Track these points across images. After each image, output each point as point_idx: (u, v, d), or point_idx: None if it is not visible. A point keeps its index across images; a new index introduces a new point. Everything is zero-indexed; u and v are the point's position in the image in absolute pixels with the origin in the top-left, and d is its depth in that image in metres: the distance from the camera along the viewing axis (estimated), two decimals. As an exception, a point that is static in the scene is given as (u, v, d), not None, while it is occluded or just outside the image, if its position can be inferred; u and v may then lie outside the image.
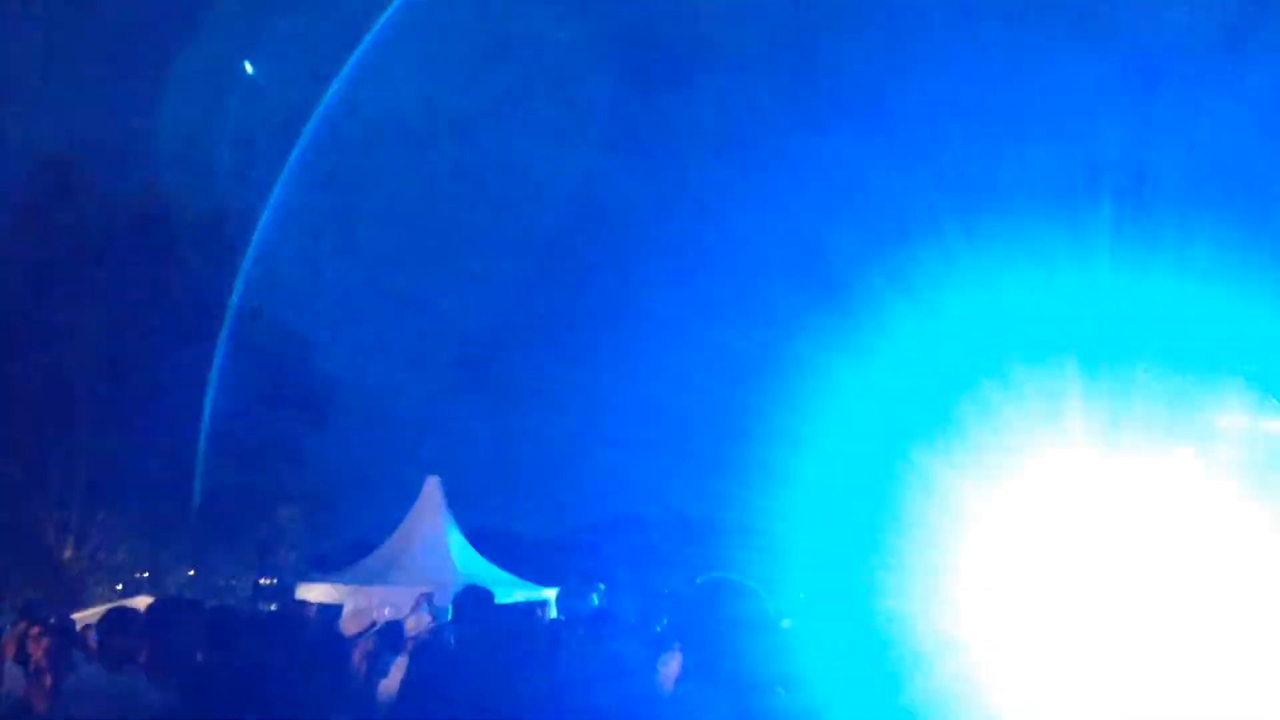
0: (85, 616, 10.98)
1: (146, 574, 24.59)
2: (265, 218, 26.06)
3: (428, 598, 9.76)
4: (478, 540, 20.19)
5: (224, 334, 24.37)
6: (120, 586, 22.89)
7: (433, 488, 19.43)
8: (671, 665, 4.50)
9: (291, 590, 18.72)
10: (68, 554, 22.41)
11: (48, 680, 5.26)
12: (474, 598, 5.63)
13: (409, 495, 19.59)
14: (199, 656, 4.37)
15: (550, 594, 16.53)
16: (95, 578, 22.66)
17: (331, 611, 10.00)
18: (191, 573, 26.02)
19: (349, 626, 7.89)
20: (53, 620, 7.32)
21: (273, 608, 16.04)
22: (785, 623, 6.74)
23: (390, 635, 7.21)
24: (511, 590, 16.30)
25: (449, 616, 7.06)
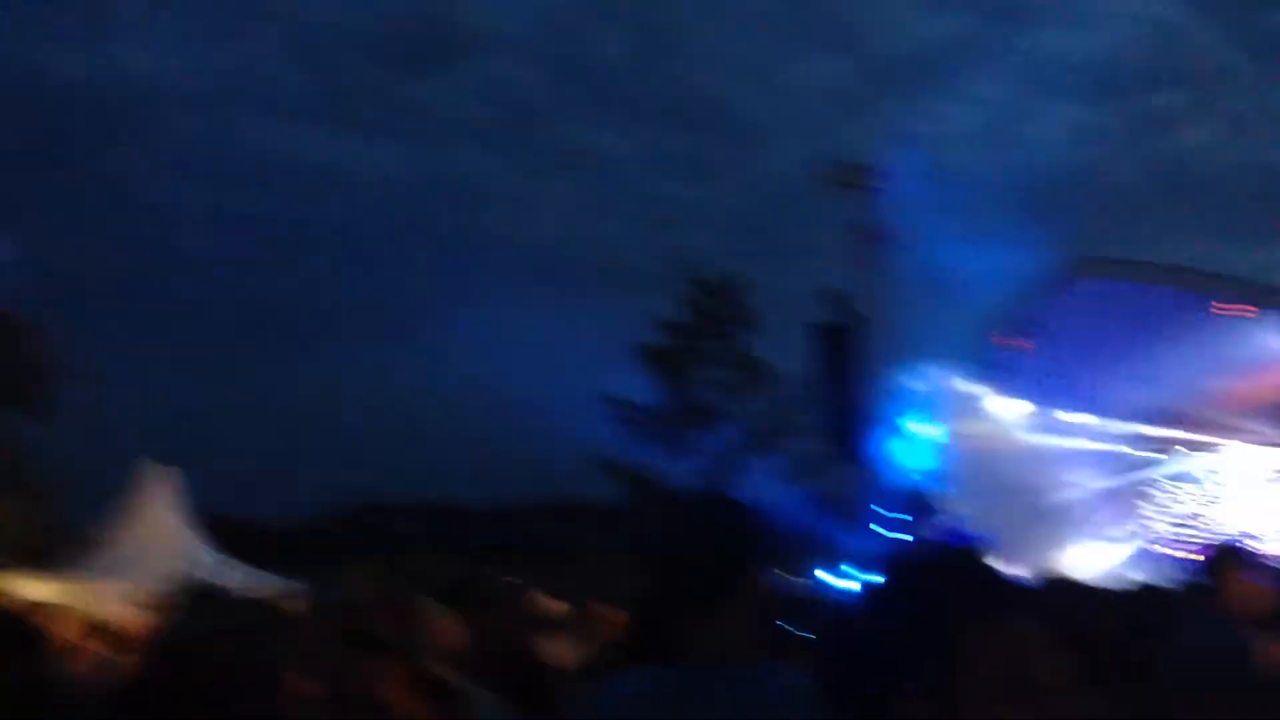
0: None
1: None
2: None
3: (161, 593, 9.36)
4: (216, 532, 19.36)
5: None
6: None
7: (158, 476, 18.46)
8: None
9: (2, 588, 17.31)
10: None
11: None
12: (207, 592, 5.48)
13: (135, 484, 18.50)
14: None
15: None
16: None
17: (47, 610, 9.45)
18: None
19: (66, 626, 7.50)
20: None
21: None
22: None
23: (114, 634, 6.90)
24: (253, 582, 15.73)
25: (183, 612, 6.80)
